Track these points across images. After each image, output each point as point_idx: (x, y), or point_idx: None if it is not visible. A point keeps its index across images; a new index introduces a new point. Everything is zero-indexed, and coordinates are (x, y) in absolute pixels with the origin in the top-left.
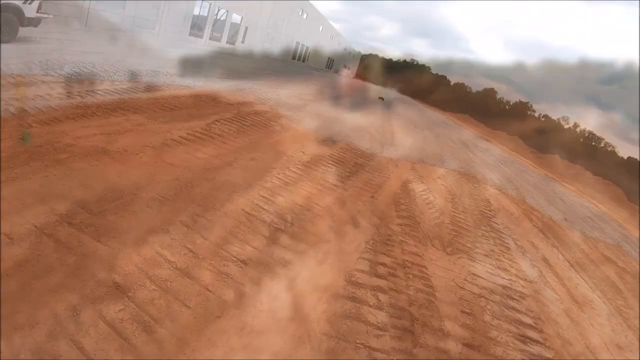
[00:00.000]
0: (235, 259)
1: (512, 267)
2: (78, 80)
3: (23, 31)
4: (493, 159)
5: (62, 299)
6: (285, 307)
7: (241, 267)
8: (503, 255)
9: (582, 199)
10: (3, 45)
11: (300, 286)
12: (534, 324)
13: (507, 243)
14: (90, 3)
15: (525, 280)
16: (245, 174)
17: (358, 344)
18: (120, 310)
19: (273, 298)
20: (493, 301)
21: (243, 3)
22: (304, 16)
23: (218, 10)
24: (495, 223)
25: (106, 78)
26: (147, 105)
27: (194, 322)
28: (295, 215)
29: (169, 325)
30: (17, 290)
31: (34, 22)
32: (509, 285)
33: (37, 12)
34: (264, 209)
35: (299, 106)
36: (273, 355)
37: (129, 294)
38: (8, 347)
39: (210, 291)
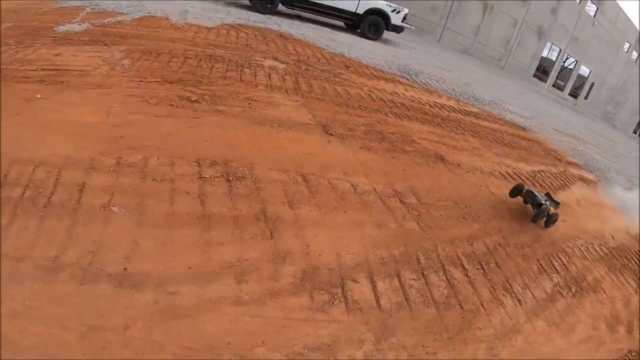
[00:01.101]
0: None
1: None
2: (428, 90)
3: (386, 34)
4: None
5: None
6: None
7: None
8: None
9: None
10: (371, 42)
11: None
12: None
13: None
14: (447, 23)
15: None
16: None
17: None
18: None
19: None
20: None
21: (595, 56)
22: None
23: (567, 58)
24: None
25: (452, 96)
26: (483, 133)
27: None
28: None
29: None
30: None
31: (398, 29)
32: None
33: (402, 21)
34: None
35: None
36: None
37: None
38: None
39: None
